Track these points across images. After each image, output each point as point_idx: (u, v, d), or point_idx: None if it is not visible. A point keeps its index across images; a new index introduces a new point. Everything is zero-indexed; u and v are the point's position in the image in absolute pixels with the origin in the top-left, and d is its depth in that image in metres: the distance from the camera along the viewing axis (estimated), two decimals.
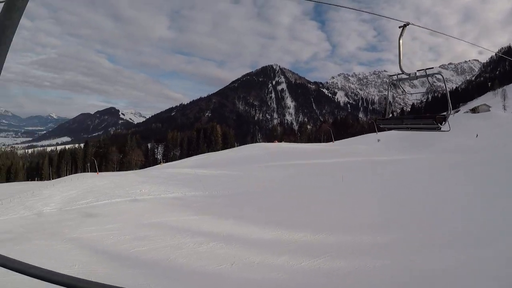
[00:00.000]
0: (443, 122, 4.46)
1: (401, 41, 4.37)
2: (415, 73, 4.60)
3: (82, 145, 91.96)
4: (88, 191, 27.51)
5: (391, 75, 4.91)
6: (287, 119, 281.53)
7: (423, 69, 4.55)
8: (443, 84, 4.82)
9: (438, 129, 4.56)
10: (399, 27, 4.28)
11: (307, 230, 12.04)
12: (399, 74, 4.70)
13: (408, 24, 4.26)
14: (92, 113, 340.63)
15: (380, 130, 53.21)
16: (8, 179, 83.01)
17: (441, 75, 5.01)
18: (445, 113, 4.52)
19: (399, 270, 8.06)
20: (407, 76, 4.63)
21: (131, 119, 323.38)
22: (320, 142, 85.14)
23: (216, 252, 11.01)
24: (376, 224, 12.19)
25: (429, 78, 4.53)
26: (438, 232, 10.67)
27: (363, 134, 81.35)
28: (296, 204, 17.53)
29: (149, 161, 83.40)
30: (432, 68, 4.91)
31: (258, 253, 10.14)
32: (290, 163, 34.64)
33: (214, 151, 76.80)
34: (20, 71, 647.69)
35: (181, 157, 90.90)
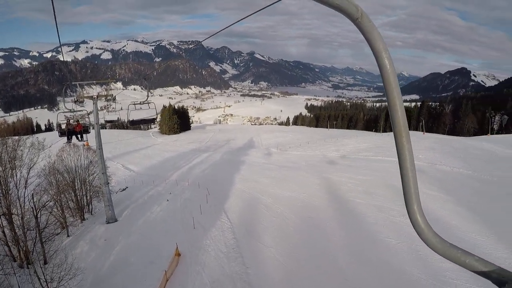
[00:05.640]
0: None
1: None
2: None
3: (418, 104, 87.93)
4: (377, 146, 30.58)
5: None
6: None
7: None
8: None
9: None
10: None
11: None
12: None
13: None
14: (443, 72, 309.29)
15: None
16: (348, 127, 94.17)
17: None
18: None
19: None
20: None
21: (482, 82, 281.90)
22: None
23: (401, 229, 12.25)
24: None
25: None
26: None
27: None
28: None
29: (483, 129, 69.78)
30: None
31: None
32: None
33: None
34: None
35: None
